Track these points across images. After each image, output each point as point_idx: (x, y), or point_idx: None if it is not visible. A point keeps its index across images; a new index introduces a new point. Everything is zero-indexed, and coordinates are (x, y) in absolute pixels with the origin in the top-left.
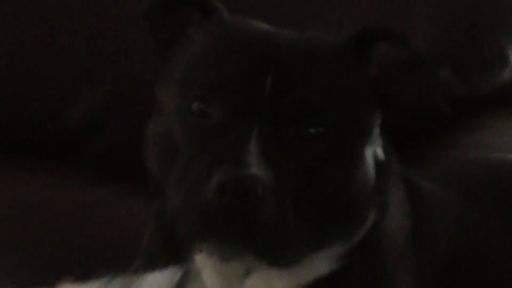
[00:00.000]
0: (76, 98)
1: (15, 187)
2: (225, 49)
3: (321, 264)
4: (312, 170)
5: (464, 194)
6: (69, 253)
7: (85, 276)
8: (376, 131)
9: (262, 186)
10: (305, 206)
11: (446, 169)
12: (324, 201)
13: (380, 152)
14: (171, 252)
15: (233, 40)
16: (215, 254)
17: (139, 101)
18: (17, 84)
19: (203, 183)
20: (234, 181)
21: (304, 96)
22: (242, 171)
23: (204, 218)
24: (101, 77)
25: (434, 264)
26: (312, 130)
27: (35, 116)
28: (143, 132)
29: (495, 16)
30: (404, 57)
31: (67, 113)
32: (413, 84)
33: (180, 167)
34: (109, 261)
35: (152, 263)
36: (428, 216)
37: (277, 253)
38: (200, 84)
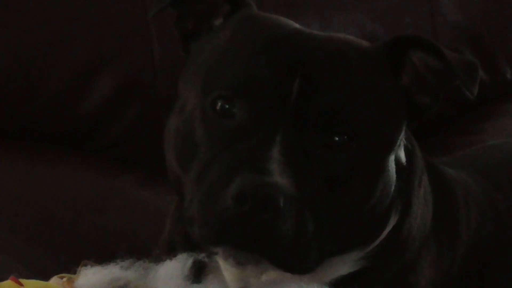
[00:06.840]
0: (91, 86)
1: (33, 177)
2: (253, 47)
3: (340, 266)
4: (335, 179)
5: (489, 181)
6: (88, 241)
7: (104, 261)
8: (400, 138)
9: (283, 195)
10: (325, 215)
11: (470, 155)
12: (344, 211)
13: (402, 155)
14: (191, 242)
15: (261, 38)
16: (230, 259)
17: (155, 88)
18: (31, 73)
19: (222, 187)
20: (255, 189)
21: (332, 103)
22: (264, 179)
23: (222, 223)
24: (115, 64)
25: (455, 255)
26: (336, 138)
27: (50, 105)
28: (159, 120)
29: None
30: (438, 68)
31: (82, 102)
32: (444, 96)
33: (200, 166)
34: (126, 248)
35: (172, 251)
36: (451, 207)
37: (294, 262)
38: (225, 83)
